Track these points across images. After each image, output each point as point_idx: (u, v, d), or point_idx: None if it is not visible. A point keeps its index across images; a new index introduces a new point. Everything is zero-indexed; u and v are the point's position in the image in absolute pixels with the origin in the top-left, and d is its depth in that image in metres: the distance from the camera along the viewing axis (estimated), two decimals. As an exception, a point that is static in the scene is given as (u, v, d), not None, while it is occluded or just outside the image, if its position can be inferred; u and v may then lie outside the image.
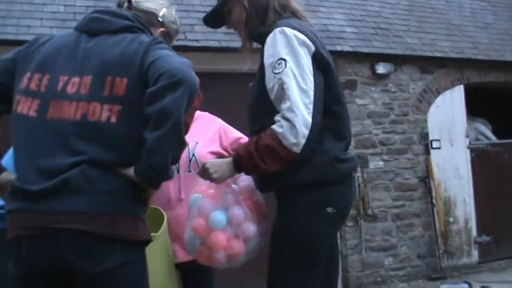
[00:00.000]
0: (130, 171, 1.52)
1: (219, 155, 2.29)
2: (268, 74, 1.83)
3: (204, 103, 1.64)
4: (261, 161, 1.77)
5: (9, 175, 1.61)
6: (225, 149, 2.35)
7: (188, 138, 1.56)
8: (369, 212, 5.65)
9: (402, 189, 5.92)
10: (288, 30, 1.82)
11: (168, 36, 1.89)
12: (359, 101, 5.82)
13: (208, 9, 2.11)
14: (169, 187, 2.19)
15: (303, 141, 1.73)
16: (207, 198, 1.96)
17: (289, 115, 1.73)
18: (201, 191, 1.99)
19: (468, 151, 6.35)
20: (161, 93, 1.44)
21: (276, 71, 1.79)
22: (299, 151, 1.74)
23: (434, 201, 5.97)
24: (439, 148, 6.13)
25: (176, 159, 1.56)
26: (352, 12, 6.45)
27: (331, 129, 1.87)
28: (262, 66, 1.88)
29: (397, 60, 6.03)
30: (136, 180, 1.53)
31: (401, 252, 5.82)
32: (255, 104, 1.95)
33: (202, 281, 2.28)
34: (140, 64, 1.54)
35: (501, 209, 6.37)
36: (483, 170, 6.36)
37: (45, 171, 1.50)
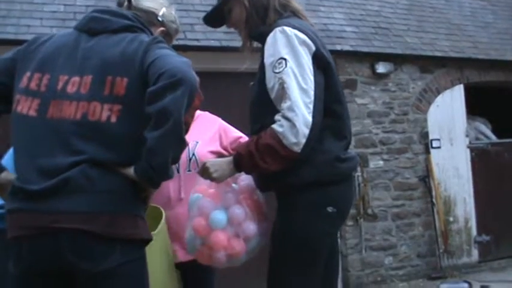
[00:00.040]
0: (131, 170, 1.52)
1: (219, 155, 2.29)
2: (268, 73, 1.83)
3: (204, 102, 1.64)
4: (261, 160, 1.77)
5: (9, 175, 1.61)
6: (225, 149, 2.35)
7: (188, 137, 1.56)
8: (369, 211, 5.65)
9: (402, 188, 5.92)
10: (288, 29, 1.82)
11: (168, 35, 1.89)
12: (359, 101, 5.82)
13: (208, 8, 2.10)
14: (169, 186, 2.19)
15: (303, 140, 1.73)
16: (207, 197, 1.96)
17: (289, 114, 1.73)
18: (201, 191, 1.99)
19: (468, 150, 6.35)
20: (161, 92, 1.44)
21: (277, 71, 1.79)
22: (299, 150, 1.74)
23: (434, 200, 5.97)
24: (439, 147, 6.13)
25: (176, 159, 1.56)
26: (352, 11, 6.45)
27: (331, 128, 1.87)
28: (262, 66, 1.87)
29: (397, 60, 6.03)
30: (137, 180, 1.53)
31: (401, 251, 5.82)
32: (255, 103, 1.95)
33: (203, 281, 2.28)
34: (140, 63, 1.54)
35: (501, 209, 6.37)
36: (483, 170, 6.36)
37: (45, 171, 1.50)
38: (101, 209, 1.49)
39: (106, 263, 1.48)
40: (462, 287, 3.98)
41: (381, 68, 5.89)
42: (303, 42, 1.82)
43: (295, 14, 1.97)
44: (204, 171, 1.89)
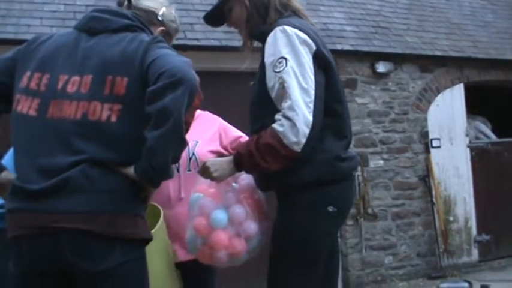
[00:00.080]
0: (131, 170, 1.52)
1: (219, 154, 2.28)
2: (269, 72, 1.83)
3: (204, 102, 1.64)
4: (262, 159, 1.77)
5: (9, 174, 1.60)
6: (225, 148, 2.35)
7: (188, 137, 1.56)
8: (369, 210, 5.65)
9: (402, 188, 5.92)
10: (289, 29, 1.82)
11: (167, 35, 1.89)
12: (359, 100, 5.82)
13: (208, 8, 2.10)
14: (169, 186, 2.19)
15: (303, 140, 1.73)
16: (208, 197, 1.96)
17: (290, 114, 1.73)
18: (202, 190, 1.99)
19: (468, 150, 6.35)
20: (162, 92, 1.43)
21: (277, 70, 1.79)
22: (300, 150, 1.74)
23: (434, 200, 5.97)
24: (439, 147, 6.13)
25: (177, 159, 1.56)
26: (352, 11, 6.45)
27: (331, 128, 1.87)
28: (263, 65, 1.87)
29: (397, 59, 6.03)
30: (137, 179, 1.52)
31: (401, 251, 5.82)
32: (255, 103, 1.94)
33: (203, 280, 2.28)
34: (140, 63, 1.54)
35: (501, 208, 6.37)
36: (483, 169, 6.36)
37: (45, 171, 1.50)
38: (101, 208, 1.48)
39: (106, 263, 1.48)
40: (462, 286, 3.98)
41: (381, 67, 5.88)
42: (304, 42, 1.81)
43: (295, 13, 1.97)
44: (204, 171, 1.89)
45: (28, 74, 1.61)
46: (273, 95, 1.82)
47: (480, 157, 6.41)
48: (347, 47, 5.72)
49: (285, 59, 1.78)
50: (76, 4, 5.08)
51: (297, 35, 1.81)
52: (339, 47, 5.62)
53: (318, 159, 1.82)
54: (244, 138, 2.29)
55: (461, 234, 6.19)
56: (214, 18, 2.09)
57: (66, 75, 1.58)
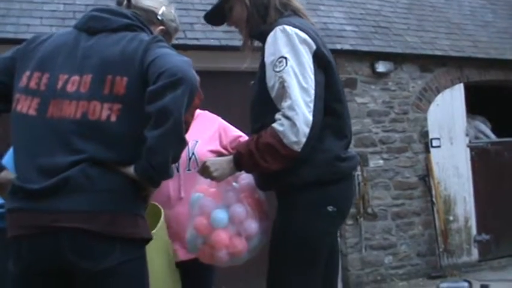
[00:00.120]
0: (131, 169, 1.52)
1: (219, 154, 2.28)
2: (269, 72, 1.83)
3: (204, 101, 1.64)
4: (262, 159, 1.77)
5: (9, 174, 1.61)
6: (224, 148, 2.35)
7: (188, 136, 1.56)
8: (369, 210, 5.65)
9: (402, 187, 5.92)
10: (289, 28, 1.82)
11: (167, 34, 1.89)
12: (359, 100, 5.82)
13: (208, 7, 2.10)
14: (169, 186, 2.18)
15: (303, 139, 1.73)
16: (208, 197, 1.96)
17: (289, 113, 1.73)
18: (202, 190, 1.99)
19: (468, 149, 6.35)
20: (162, 91, 1.43)
21: (277, 69, 1.79)
22: (299, 149, 1.74)
23: (434, 199, 5.97)
24: (439, 146, 6.13)
25: (176, 158, 1.56)
26: (352, 10, 6.45)
27: (331, 127, 1.87)
28: (263, 65, 1.87)
29: (397, 59, 6.03)
30: (137, 179, 1.52)
31: (401, 250, 5.82)
32: (255, 102, 1.94)
33: (202, 279, 2.28)
34: (140, 63, 1.54)
35: (501, 208, 6.37)
36: (483, 169, 6.37)
37: (45, 170, 1.49)
38: (101, 208, 1.48)
39: (106, 262, 1.48)
40: (462, 286, 3.98)
41: (381, 67, 5.88)
42: (304, 41, 1.81)
43: (295, 12, 1.97)
44: (204, 170, 1.89)
45: (28, 73, 1.61)
46: (273, 94, 1.82)
47: (480, 157, 6.41)
48: (347, 47, 5.72)
49: (285, 58, 1.78)
50: (76, 3, 5.08)
51: (297, 34, 1.81)
52: (338, 46, 5.62)
53: (317, 158, 1.82)
54: (244, 137, 2.29)
55: (461, 233, 6.20)
56: (214, 17, 2.09)
57: (65, 75, 1.58)
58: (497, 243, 6.34)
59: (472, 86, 6.58)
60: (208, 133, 2.35)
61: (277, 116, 1.77)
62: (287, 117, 1.74)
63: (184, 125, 1.48)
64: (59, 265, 1.49)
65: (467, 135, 6.37)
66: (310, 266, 1.87)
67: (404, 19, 6.68)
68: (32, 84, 1.59)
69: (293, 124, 1.72)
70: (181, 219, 2.11)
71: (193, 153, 2.25)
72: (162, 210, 2.01)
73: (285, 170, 1.79)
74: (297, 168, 1.80)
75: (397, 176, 5.91)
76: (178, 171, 2.20)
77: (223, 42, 5.00)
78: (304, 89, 1.76)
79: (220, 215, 1.90)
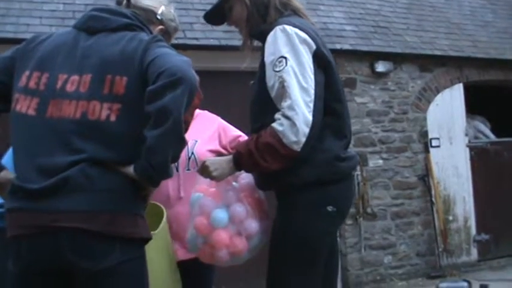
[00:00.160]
0: (130, 169, 1.52)
1: (218, 153, 2.28)
2: (268, 72, 1.83)
3: (203, 101, 1.64)
4: (261, 158, 1.77)
5: (9, 174, 1.61)
6: (224, 147, 2.35)
7: (187, 136, 1.56)
8: (368, 210, 5.65)
9: (401, 187, 5.92)
10: (289, 28, 1.82)
11: (166, 34, 1.89)
12: (358, 100, 5.82)
13: (207, 7, 2.10)
14: (169, 185, 2.18)
15: (303, 139, 1.73)
16: (208, 196, 1.96)
17: (289, 113, 1.73)
18: (202, 190, 1.99)
19: (467, 149, 6.35)
20: (161, 91, 1.43)
21: (277, 69, 1.78)
22: (299, 149, 1.74)
23: (433, 199, 5.97)
24: (438, 146, 6.13)
25: (176, 158, 1.56)
26: (352, 10, 6.45)
27: (331, 127, 1.87)
28: (263, 64, 1.87)
29: (397, 59, 6.03)
30: (136, 179, 1.52)
31: (401, 250, 5.83)
32: (255, 102, 1.94)
33: (202, 278, 2.28)
34: (140, 62, 1.54)
35: (500, 207, 6.37)
36: (482, 169, 6.37)
37: (45, 170, 1.49)
38: (100, 207, 1.48)
39: (106, 262, 1.48)
40: (461, 286, 3.98)
41: (381, 67, 5.89)
42: (304, 41, 1.81)
43: (295, 12, 1.97)
44: (204, 170, 1.89)
45: (27, 73, 1.61)
46: (272, 94, 1.82)
47: (479, 157, 6.41)
48: (346, 47, 5.72)
49: (285, 58, 1.78)
50: (75, 3, 5.07)
51: (297, 34, 1.81)
52: (338, 46, 5.62)
53: (317, 158, 1.82)
54: (244, 137, 2.29)
55: (460, 233, 6.20)
56: (214, 17, 2.09)
57: (65, 75, 1.58)
58: (496, 243, 6.34)
59: (471, 86, 6.59)
60: (208, 133, 2.35)
61: (277, 115, 1.77)
62: (287, 117, 1.73)
63: (184, 125, 1.48)
64: (58, 265, 1.49)
65: (466, 135, 6.37)
66: (310, 266, 1.87)
67: (403, 19, 6.68)
68: (32, 84, 1.59)
69: (293, 124, 1.72)
70: (180, 218, 2.12)
71: (192, 153, 2.25)
72: (165, 211, 2.01)
73: (285, 169, 1.79)
74: (297, 168, 1.80)
75: (396, 175, 5.91)
76: (177, 170, 2.20)
77: (223, 42, 4.99)
78: (304, 89, 1.76)
79: (221, 214, 1.90)
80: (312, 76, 1.79)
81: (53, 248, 1.47)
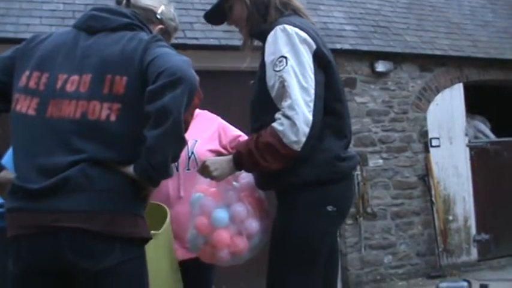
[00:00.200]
0: (130, 169, 1.52)
1: (218, 153, 2.29)
2: (269, 71, 1.83)
3: (203, 101, 1.64)
4: (262, 158, 1.77)
5: (9, 174, 1.61)
6: (224, 147, 2.35)
7: (187, 136, 1.56)
8: (368, 210, 5.65)
9: (401, 187, 5.92)
10: (289, 27, 1.82)
11: (166, 33, 1.88)
12: (358, 99, 5.82)
13: (208, 7, 2.10)
14: (169, 185, 2.19)
15: (303, 139, 1.73)
16: (208, 196, 1.96)
17: (289, 113, 1.73)
18: (203, 190, 1.99)
19: (467, 149, 6.35)
20: (161, 91, 1.43)
21: (277, 69, 1.78)
22: (299, 149, 1.74)
23: (433, 199, 5.97)
24: (438, 146, 6.13)
25: (176, 158, 1.56)
26: (352, 10, 6.45)
27: (331, 127, 1.87)
28: (263, 64, 1.87)
29: (397, 58, 6.03)
30: (136, 178, 1.52)
31: (401, 250, 5.83)
32: (255, 102, 1.94)
33: (202, 277, 2.28)
34: (140, 62, 1.54)
35: (500, 207, 6.37)
36: (482, 168, 6.37)
37: (45, 170, 1.49)
38: (100, 207, 1.48)
39: (106, 262, 1.48)
40: (461, 285, 3.97)
41: (381, 66, 5.89)
42: (304, 41, 1.81)
43: (296, 12, 1.97)
44: (204, 170, 1.89)
45: (27, 73, 1.61)
46: (273, 94, 1.82)
47: (479, 156, 6.41)
48: (346, 46, 5.72)
49: (285, 58, 1.78)
50: (75, 3, 5.07)
51: (297, 34, 1.81)
52: (338, 46, 5.62)
53: (317, 158, 1.82)
54: (243, 137, 2.29)
55: (460, 233, 6.20)
56: (214, 16, 2.09)
57: (65, 75, 1.58)
58: (496, 243, 6.35)
59: (471, 86, 6.59)
60: (208, 132, 2.35)
61: (277, 115, 1.76)
62: (287, 117, 1.73)
63: (184, 125, 1.48)
64: (58, 265, 1.49)
65: (466, 134, 6.37)
66: (310, 266, 1.87)
67: (404, 19, 6.68)
68: (31, 84, 1.59)
69: (293, 123, 1.72)
70: (180, 218, 2.12)
71: (192, 153, 2.25)
72: (168, 211, 2.01)
73: (285, 169, 1.79)
74: (297, 167, 1.80)
75: (396, 175, 5.91)
76: (177, 170, 2.20)
77: (223, 42, 4.99)
78: (304, 89, 1.76)
79: (221, 214, 1.90)
80: (312, 76, 1.79)
81: (53, 248, 1.47)
